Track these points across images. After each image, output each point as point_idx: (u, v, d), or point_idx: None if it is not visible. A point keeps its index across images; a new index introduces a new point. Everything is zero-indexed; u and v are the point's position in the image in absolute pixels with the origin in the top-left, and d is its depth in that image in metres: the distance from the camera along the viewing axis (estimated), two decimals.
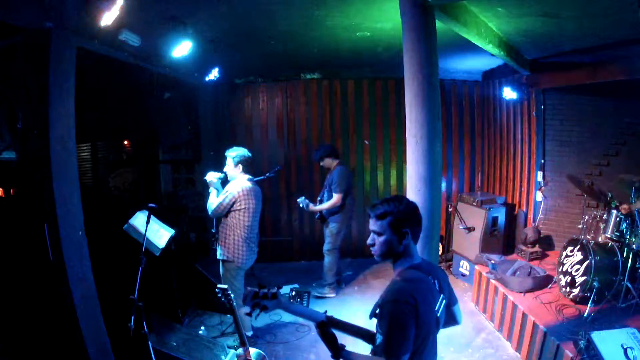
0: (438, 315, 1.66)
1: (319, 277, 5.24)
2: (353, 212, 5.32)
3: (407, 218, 1.68)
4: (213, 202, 3.72)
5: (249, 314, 1.77)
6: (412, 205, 1.72)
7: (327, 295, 5.05)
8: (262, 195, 3.98)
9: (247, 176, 3.79)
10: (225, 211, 3.70)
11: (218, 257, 3.80)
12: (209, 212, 3.75)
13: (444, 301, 1.72)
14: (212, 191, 3.82)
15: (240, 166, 3.76)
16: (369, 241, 1.73)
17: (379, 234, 1.68)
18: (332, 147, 5.21)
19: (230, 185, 3.74)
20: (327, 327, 1.73)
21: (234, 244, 3.72)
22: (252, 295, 1.75)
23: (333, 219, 5.00)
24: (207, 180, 3.82)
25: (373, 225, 1.70)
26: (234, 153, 3.77)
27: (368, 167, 6.43)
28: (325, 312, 1.82)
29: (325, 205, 4.93)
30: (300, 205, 4.89)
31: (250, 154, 3.84)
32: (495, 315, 4.22)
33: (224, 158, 3.85)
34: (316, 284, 5.14)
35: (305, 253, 6.49)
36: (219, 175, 3.83)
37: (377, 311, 1.65)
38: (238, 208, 3.68)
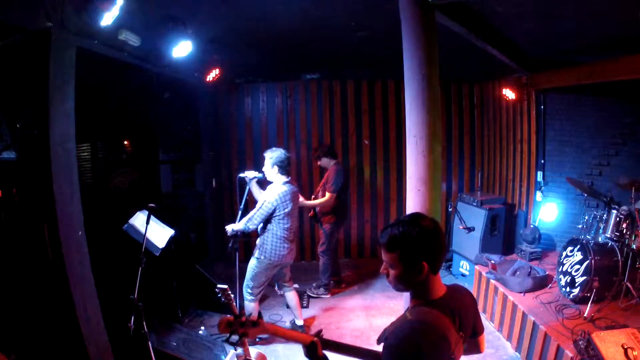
0: (453, 356, 1.41)
1: (318, 278, 5.26)
2: (347, 213, 5.32)
3: (423, 247, 1.38)
4: (251, 216, 3.73)
5: (226, 341, 1.71)
6: (430, 229, 1.40)
7: (322, 296, 5.07)
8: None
9: (283, 178, 3.82)
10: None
11: (257, 256, 3.84)
12: (249, 226, 3.72)
13: (462, 339, 1.47)
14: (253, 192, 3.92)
15: (276, 168, 3.80)
16: (382, 269, 1.47)
17: (391, 267, 1.44)
18: (329, 147, 5.24)
19: (267, 193, 3.78)
20: (317, 350, 1.61)
21: (272, 245, 3.79)
22: (226, 324, 1.67)
23: (327, 221, 5.01)
24: (243, 176, 3.93)
25: (383, 254, 1.44)
26: (271, 154, 3.82)
27: (368, 167, 6.43)
28: (320, 331, 1.69)
29: (317, 202, 4.94)
30: None
31: (286, 155, 3.86)
32: (495, 315, 4.23)
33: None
34: (315, 285, 5.15)
35: (305, 253, 6.49)
36: (257, 174, 3.91)
37: (383, 344, 1.43)
38: (278, 214, 3.74)
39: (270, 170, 3.81)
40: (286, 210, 3.76)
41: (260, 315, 1.76)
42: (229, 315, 1.71)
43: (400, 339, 1.35)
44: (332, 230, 5.03)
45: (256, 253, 3.86)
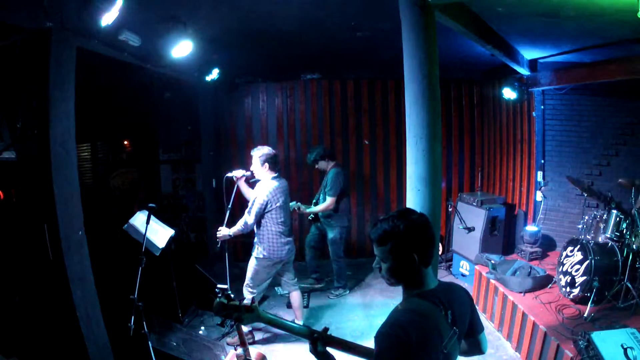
0: (446, 351, 1.41)
1: (318, 278, 5.27)
2: (350, 215, 5.32)
3: (413, 239, 1.42)
4: (246, 217, 3.77)
5: (221, 325, 1.72)
6: (418, 222, 1.45)
7: (343, 294, 5.07)
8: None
9: (272, 174, 3.84)
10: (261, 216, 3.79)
11: (255, 255, 3.86)
12: (248, 225, 3.76)
13: (456, 335, 1.47)
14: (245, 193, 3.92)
15: (266, 165, 3.82)
16: (374, 264, 1.53)
17: (383, 261, 1.47)
18: (324, 148, 5.18)
19: (257, 189, 3.80)
20: (316, 345, 1.64)
21: (269, 241, 3.81)
22: (220, 306, 1.67)
23: (334, 225, 5.00)
24: (230, 176, 3.91)
25: (375, 249, 1.48)
26: (259, 152, 3.83)
27: (368, 167, 6.43)
28: (325, 328, 1.70)
29: (319, 207, 4.94)
30: (291, 209, 4.88)
31: (274, 151, 3.90)
32: (495, 315, 4.23)
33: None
34: (333, 289, 5.15)
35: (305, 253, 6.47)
36: (245, 173, 3.93)
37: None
38: (270, 209, 3.77)
39: (260, 168, 3.82)
40: (278, 204, 3.79)
41: (252, 301, 1.76)
42: (223, 300, 1.69)
43: (388, 325, 1.38)
44: (340, 234, 5.03)
45: (254, 252, 3.88)
